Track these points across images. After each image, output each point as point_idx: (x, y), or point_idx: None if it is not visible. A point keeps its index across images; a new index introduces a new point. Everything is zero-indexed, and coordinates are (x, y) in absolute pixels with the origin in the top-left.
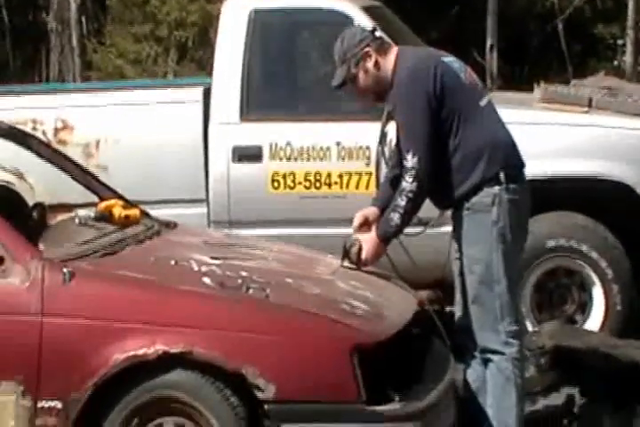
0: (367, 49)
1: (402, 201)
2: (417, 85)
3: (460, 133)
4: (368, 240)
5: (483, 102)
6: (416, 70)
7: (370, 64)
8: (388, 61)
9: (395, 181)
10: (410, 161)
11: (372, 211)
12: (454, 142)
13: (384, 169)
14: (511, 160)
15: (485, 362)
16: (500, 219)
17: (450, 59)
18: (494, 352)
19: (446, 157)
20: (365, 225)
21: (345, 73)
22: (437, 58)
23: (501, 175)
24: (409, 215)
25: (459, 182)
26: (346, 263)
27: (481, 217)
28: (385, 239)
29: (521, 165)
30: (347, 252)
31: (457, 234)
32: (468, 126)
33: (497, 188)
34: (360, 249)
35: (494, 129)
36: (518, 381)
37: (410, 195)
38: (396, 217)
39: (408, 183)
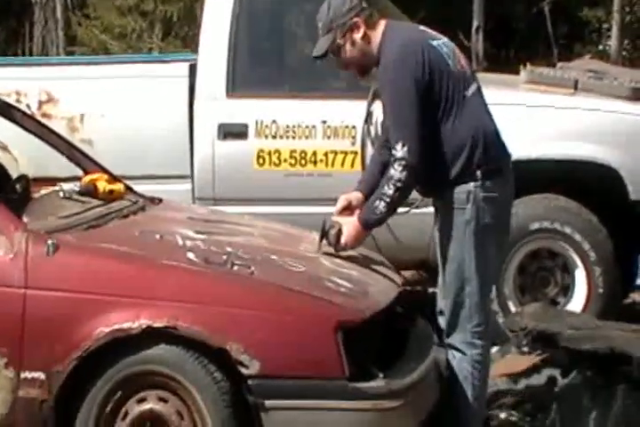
0: (356, 19)
1: (389, 190)
2: (404, 71)
3: (443, 125)
4: (349, 224)
5: (470, 91)
6: (404, 54)
7: (358, 36)
8: (376, 35)
9: (381, 165)
10: (399, 151)
11: (355, 195)
12: (437, 134)
13: (369, 148)
14: (493, 154)
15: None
16: (474, 218)
17: (439, 42)
18: (457, 350)
19: (429, 148)
20: (348, 209)
21: (329, 43)
22: (426, 41)
23: (478, 172)
24: (395, 204)
25: (437, 175)
26: (324, 246)
27: (455, 215)
28: (367, 226)
29: (504, 156)
30: (325, 233)
31: (436, 225)
32: (452, 119)
33: (472, 184)
34: (340, 232)
35: (478, 122)
36: (476, 383)
37: (398, 184)
38: (381, 205)
39: (397, 172)
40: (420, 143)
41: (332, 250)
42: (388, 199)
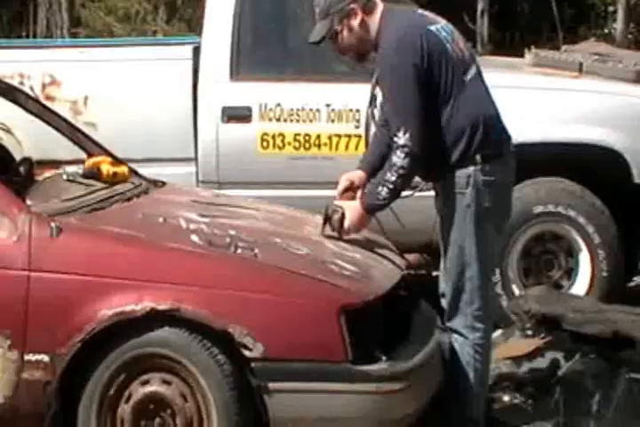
0: (353, 6)
1: (392, 176)
2: (403, 58)
3: (443, 110)
4: (352, 209)
5: (469, 75)
6: (402, 41)
7: (355, 22)
8: (373, 21)
9: (382, 144)
10: (401, 138)
11: (357, 175)
12: (437, 119)
13: (373, 131)
14: (493, 138)
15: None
16: (474, 202)
17: (437, 26)
18: (459, 334)
19: (429, 133)
20: (350, 190)
21: (326, 29)
22: (424, 26)
23: (477, 156)
24: (398, 190)
25: (437, 160)
26: (327, 231)
27: (456, 199)
28: (370, 211)
29: (505, 140)
30: (328, 218)
31: (437, 209)
32: (452, 103)
33: (472, 168)
34: (343, 217)
35: (478, 106)
36: (478, 366)
37: (401, 171)
38: (384, 191)
39: (400, 159)
40: (421, 129)
41: (335, 234)
42: (390, 186)
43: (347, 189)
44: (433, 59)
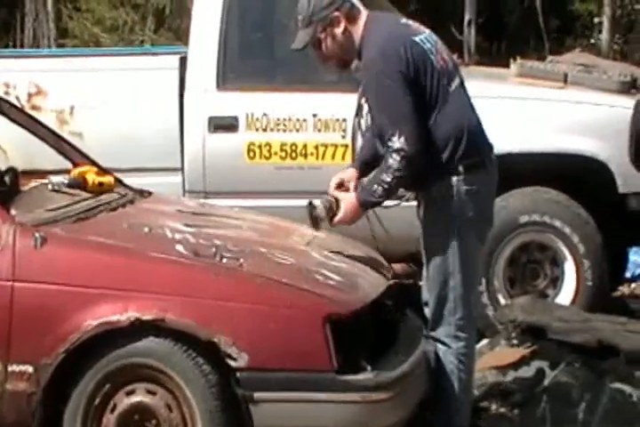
0: (336, 13)
1: (387, 177)
2: (389, 66)
3: (426, 120)
4: (348, 201)
5: (452, 86)
6: (386, 51)
7: (338, 31)
8: (357, 29)
9: (375, 142)
10: (396, 142)
11: (349, 173)
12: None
13: (360, 141)
14: (476, 148)
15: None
16: (458, 211)
17: (421, 37)
18: (442, 343)
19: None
20: (342, 187)
21: (309, 37)
22: (407, 37)
23: (460, 166)
24: (393, 190)
25: (420, 170)
26: (313, 221)
27: (439, 208)
28: (365, 206)
29: (487, 149)
30: (313, 209)
31: (419, 219)
32: (435, 113)
33: (454, 178)
34: (337, 206)
35: (462, 116)
36: (462, 376)
37: (397, 173)
38: (379, 190)
39: (396, 162)
40: (415, 131)
41: (323, 232)
42: (386, 186)
43: (338, 186)
44: (417, 69)
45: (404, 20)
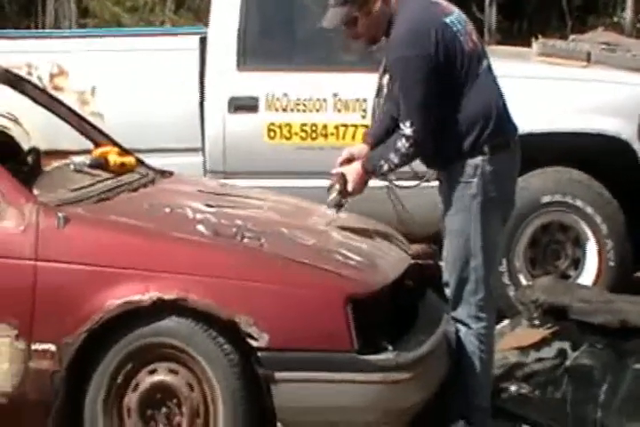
0: None
1: (394, 158)
2: (415, 49)
3: (455, 101)
4: (353, 171)
5: (481, 68)
6: (416, 33)
7: (375, 8)
8: (389, 5)
9: (390, 119)
10: (407, 128)
11: (359, 148)
12: (449, 110)
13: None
14: (501, 129)
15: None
16: (481, 192)
17: (451, 18)
18: (462, 324)
19: (439, 123)
20: (350, 161)
21: (344, 15)
22: (439, 19)
23: (486, 147)
24: (398, 168)
25: (447, 149)
26: (331, 202)
27: (462, 188)
28: (370, 173)
29: (512, 131)
30: (329, 188)
31: (442, 198)
32: (464, 95)
33: (479, 158)
34: (344, 179)
35: (490, 98)
36: (483, 356)
37: (404, 158)
38: (385, 166)
39: (404, 147)
40: (427, 122)
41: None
42: (392, 165)
43: (347, 161)
44: (447, 51)
45: None
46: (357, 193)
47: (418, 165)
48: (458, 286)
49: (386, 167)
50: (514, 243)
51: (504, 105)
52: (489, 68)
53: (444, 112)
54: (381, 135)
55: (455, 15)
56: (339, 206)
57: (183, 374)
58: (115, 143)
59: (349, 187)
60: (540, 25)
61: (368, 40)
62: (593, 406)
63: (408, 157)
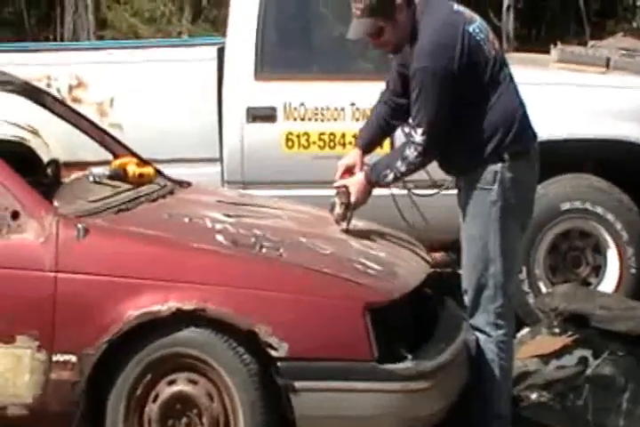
0: (400, 1)
1: (402, 167)
2: (437, 62)
3: (477, 108)
4: (356, 183)
5: (502, 76)
6: (440, 42)
7: (401, 17)
8: (412, 13)
9: (382, 120)
10: (418, 136)
11: (351, 157)
12: (470, 116)
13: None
14: (521, 136)
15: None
16: (500, 198)
17: (474, 26)
18: (481, 331)
19: (459, 129)
20: (347, 172)
21: (370, 26)
22: (463, 27)
23: (506, 154)
24: (404, 177)
25: (465, 155)
26: (336, 214)
27: (481, 195)
28: (374, 185)
29: (532, 138)
30: (334, 214)
31: (460, 205)
32: (487, 102)
33: (499, 165)
34: (349, 194)
35: (511, 105)
36: (503, 363)
37: (411, 166)
38: (391, 176)
39: (412, 155)
40: (438, 133)
41: (345, 220)
42: (398, 174)
43: (345, 173)
44: (471, 60)
45: (456, 7)
46: (361, 204)
47: (436, 172)
48: (476, 293)
49: (391, 176)
50: (533, 250)
51: (524, 112)
52: (510, 75)
53: (466, 119)
54: (373, 139)
55: (478, 23)
56: (347, 220)
57: (203, 385)
58: (133, 154)
59: (352, 199)
60: (559, 31)
61: (392, 48)
62: (614, 414)
63: (415, 166)
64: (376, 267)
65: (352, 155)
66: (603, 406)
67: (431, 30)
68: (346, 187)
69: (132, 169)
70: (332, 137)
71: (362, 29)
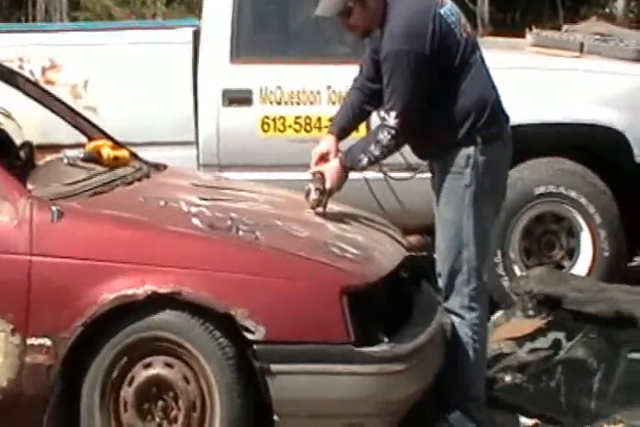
0: None
1: (375, 151)
2: (409, 45)
3: (449, 92)
4: (331, 169)
5: (474, 59)
6: (411, 26)
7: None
8: None
9: (356, 105)
10: (391, 120)
11: (326, 143)
12: (441, 100)
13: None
14: (494, 119)
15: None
16: (473, 182)
17: (445, 9)
18: (455, 314)
19: (431, 113)
20: (322, 160)
21: (339, 5)
22: (434, 10)
23: (478, 137)
24: (378, 161)
25: (437, 139)
26: (311, 200)
27: (454, 179)
28: (349, 170)
29: (504, 121)
30: (310, 200)
31: (434, 189)
32: (458, 85)
33: (472, 148)
34: (324, 180)
35: (483, 88)
36: (477, 346)
37: (385, 149)
38: (365, 160)
39: (385, 139)
40: (411, 116)
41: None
42: (372, 158)
43: (319, 161)
44: (442, 43)
45: None
46: (337, 190)
47: (412, 156)
48: (450, 277)
49: (365, 160)
50: (508, 234)
51: (497, 96)
52: (482, 59)
53: (437, 102)
54: (345, 126)
55: (449, 6)
56: (322, 206)
57: (179, 368)
58: (108, 137)
59: (327, 184)
60: (533, 16)
61: (362, 32)
62: (587, 395)
63: (388, 149)
64: (352, 250)
65: (326, 142)
66: (575, 387)
67: (402, 13)
68: (321, 173)
69: (107, 152)
70: (307, 120)
71: (330, 7)
